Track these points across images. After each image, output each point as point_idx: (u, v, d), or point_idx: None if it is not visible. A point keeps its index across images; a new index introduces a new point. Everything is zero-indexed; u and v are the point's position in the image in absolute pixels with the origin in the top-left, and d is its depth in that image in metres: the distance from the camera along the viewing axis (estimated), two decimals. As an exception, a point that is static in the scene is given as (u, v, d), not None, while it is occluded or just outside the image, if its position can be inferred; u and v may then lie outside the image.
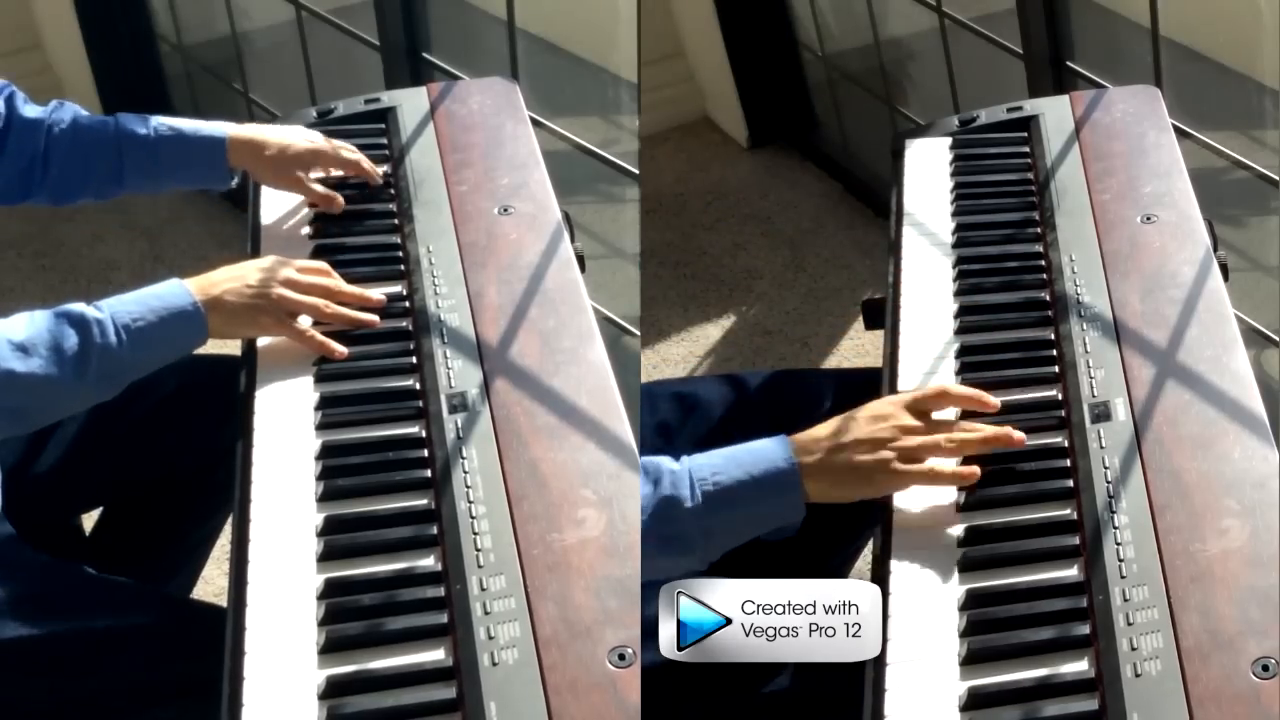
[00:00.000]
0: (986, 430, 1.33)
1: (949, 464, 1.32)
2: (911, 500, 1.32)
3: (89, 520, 1.80)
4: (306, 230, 1.67)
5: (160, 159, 1.67)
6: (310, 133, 1.73)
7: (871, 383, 1.48)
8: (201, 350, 1.48)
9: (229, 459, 1.40)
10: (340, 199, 1.68)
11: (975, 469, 1.31)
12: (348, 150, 1.71)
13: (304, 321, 1.48)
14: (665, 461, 1.26)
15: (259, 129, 1.71)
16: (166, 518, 1.73)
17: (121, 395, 1.43)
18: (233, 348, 1.52)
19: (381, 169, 1.73)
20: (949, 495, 1.32)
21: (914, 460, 1.29)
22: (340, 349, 1.47)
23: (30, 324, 1.36)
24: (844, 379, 1.62)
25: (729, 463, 1.26)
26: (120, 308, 1.40)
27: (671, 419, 1.45)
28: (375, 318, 1.50)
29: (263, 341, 1.49)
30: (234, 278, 1.46)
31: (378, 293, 1.53)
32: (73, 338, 1.35)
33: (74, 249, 3.08)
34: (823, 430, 1.29)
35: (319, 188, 1.68)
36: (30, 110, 1.67)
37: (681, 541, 1.24)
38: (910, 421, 1.30)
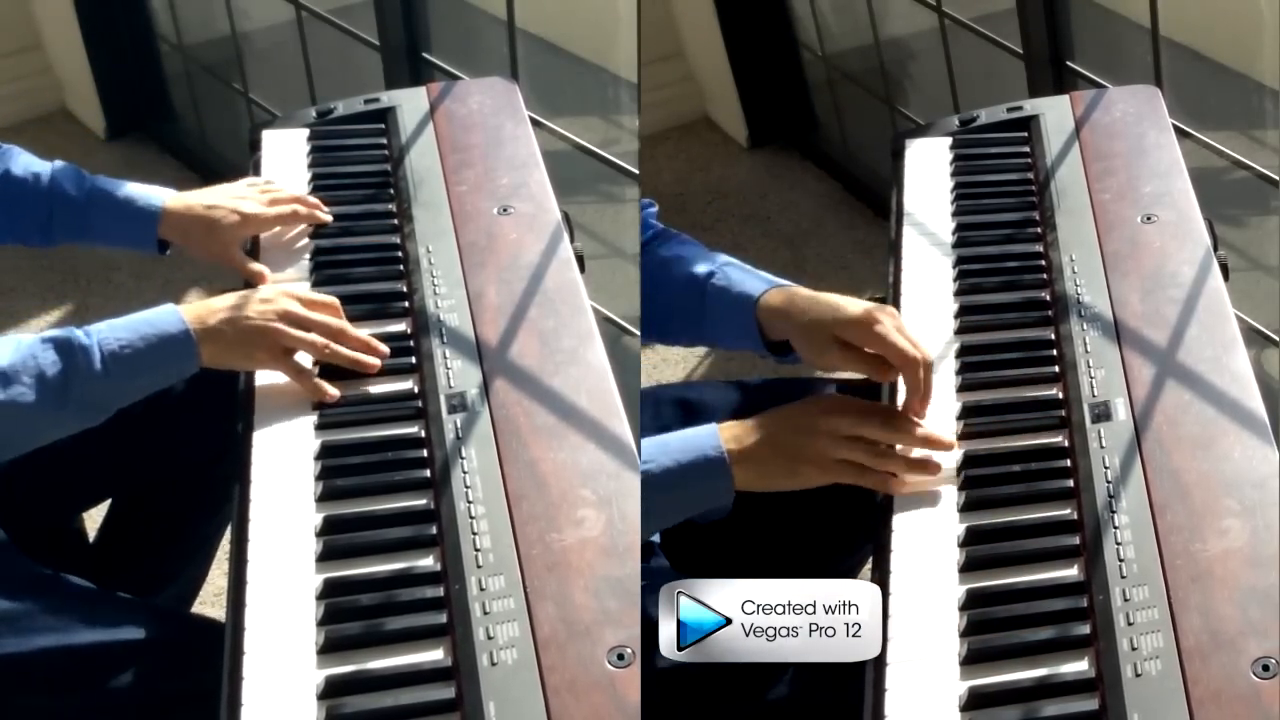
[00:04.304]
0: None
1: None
2: (911, 500, 1.32)
3: (93, 517, 1.80)
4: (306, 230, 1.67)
5: (90, 222, 1.63)
6: (241, 196, 1.63)
7: (872, 391, 1.48)
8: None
9: (230, 454, 1.39)
10: (266, 274, 1.58)
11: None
12: (283, 200, 1.63)
13: (301, 358, 1.43)
14: None
15: (193, 197, 1.63)
16: (170, 515, 1.72)
17: None
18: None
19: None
20: (949, 495, 1.33)
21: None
22: (333, 391, 1.41)
23: (15, 350, 1.33)
24: (845, 387, 1.62)
25: (660, 451, 1.31)
26: (109, 334, 1.36)
27: (674, 424, 1.44)
28: (376, 362, 1.44)
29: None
30: (233, 306, 1.41)
31: (383, 345, 1.46)
32: (57, 365, 1.32)
33: (74, 249, 3.04)
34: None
35: (251, 265, 1.59)
36: None
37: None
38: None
